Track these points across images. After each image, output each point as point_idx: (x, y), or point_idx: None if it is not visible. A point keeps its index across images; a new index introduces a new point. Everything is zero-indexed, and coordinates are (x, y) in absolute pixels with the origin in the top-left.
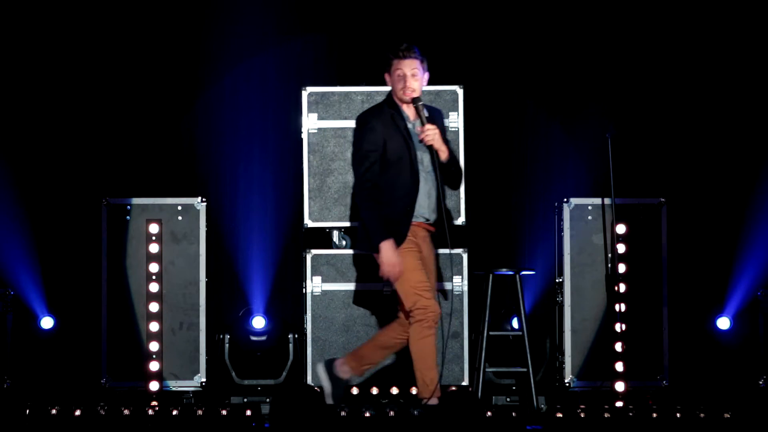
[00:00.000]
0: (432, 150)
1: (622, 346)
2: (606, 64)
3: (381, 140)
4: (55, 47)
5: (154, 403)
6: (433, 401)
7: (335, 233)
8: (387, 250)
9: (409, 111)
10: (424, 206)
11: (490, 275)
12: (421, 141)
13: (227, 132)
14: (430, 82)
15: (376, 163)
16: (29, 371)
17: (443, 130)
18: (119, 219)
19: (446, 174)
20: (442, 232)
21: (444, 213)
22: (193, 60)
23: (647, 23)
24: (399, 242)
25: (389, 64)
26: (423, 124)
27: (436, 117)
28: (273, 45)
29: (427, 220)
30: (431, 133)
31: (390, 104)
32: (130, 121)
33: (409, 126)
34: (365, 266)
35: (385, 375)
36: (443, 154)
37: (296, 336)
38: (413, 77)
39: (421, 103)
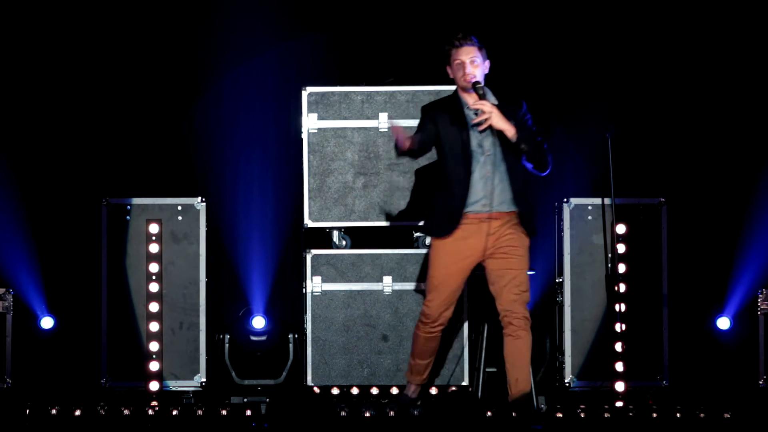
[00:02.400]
0: (493, 132)
1: (622, 346)
2: (606, 64)
3: (431, 124)
4: (55, 47)
5: (154, 403)
6: (410, 387)
7: (335, 233)
8: None
9: (471, 100)
10: (480, 193)
11: None
12: (479, 123)
13: (227, 132)
14: (431, 82)
15: (422, 135)
16: (29, 371)
17: (520, 120)
18: (119, 219)
19: (517, 153)
20: (526, 218)
21: (518, 199)
22: (193, 60)
23: (647, 23)
24: (450, 230)
25: (448, 56)
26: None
27: (507, 105)
28: (273, 45)
29: (487, 207)
30: (486, 109)
31: (452, 96)
32: (130, 121)
33: (467, 112)
34: (365, 266)
35: (385, 375)
36: (509, 133)
37: (296, 336)
38: (472, 63)
39: (480, 85)
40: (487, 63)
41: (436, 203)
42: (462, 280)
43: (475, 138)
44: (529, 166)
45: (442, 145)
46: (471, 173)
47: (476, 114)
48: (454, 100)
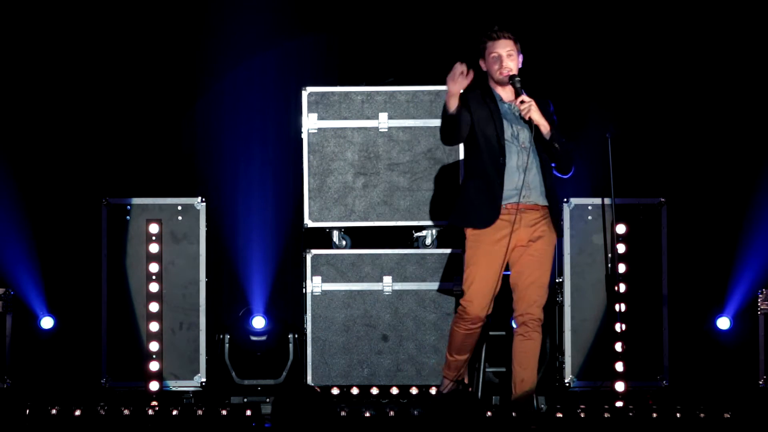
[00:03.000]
0: (531, 126)
1: (622, 346)
2: (606, 64)
3: (466, 111)
4: (55, 47)
5: (154, 403)
6: (445, 383)
7: (335, 233)
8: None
9: (504, 93)
10: (517, 182)
11: None
12: (520, 114)
13: (227, 132)
14: (431, 82)
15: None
16: (29, 371)
17: (550, 119)
18: (119, 219)
19: (549, 151)
20: (554, 215)
21: (550, 194)
22: (193, 60)
23: (647, 23)
24: (493, 219)
25: (483, 48)
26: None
27: (538, 103)
28: (273, 45)
29: (525, 197)
30: (526, 105)
31: (483, 89)
32: (130, 121)
33: (501, 105)
34: (365, 266)
35: (386, 375)
36: (544, 129)
37: (296, 336)
38: (509, 57)
39: (517, 79)
40: (521, 57)
41: (469, 194)
42: (501, 273)
43: (509, 129)
44: (553, 166)
45: (476, 135)
46: (506, 163)
47: (511, 108)
48: (487, 92)
